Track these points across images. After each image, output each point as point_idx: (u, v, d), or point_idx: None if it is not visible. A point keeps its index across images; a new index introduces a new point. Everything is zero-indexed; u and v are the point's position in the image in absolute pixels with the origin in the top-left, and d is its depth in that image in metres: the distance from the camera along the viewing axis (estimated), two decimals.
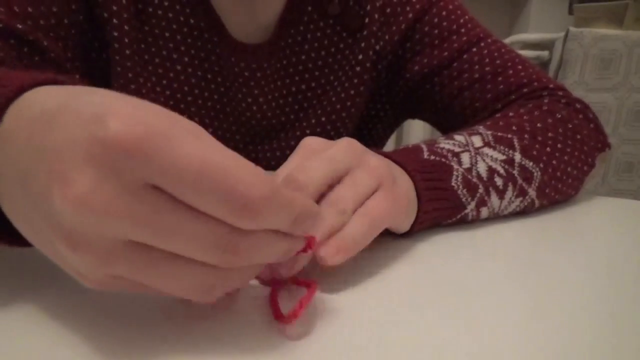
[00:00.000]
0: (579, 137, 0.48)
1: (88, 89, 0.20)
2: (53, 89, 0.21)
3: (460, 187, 0.38)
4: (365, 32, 0.56)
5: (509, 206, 0.42)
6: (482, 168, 0.39)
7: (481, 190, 0.39)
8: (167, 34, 0.53)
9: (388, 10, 0.56)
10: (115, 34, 0.51)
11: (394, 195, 0.29)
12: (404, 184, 0.33)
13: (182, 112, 0.55)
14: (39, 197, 0.17)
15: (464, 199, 0.38)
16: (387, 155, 0.36)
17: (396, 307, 0.25)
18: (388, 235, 0.34)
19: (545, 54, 1.57)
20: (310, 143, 0.31)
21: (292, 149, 0.60)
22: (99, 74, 0.54)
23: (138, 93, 0.53)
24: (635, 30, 1.46)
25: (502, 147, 0.42)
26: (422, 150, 0.38)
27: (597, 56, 1.42)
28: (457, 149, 0.40)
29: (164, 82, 0.54)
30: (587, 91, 1.43)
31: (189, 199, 0.17)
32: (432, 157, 0.38)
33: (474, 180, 0.39)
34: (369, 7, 0.56)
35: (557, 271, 0.31)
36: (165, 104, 0.54)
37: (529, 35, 1.65)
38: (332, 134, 0.60)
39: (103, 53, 0.52)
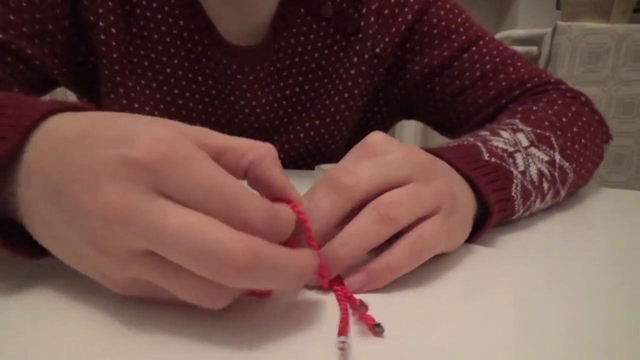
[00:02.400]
0: (592, 129, 0.48)
1: (113, 113, 0.22)
2: (78, 114, 0.23)
3: (519, 196, 0.36)
4: (360, 35, 0.55)
5: (542, 206, 0.41)
6: (533, 172, 0.38)
7: (532, 197, 0.37)
8: (155, 36, 0.51)
9: (386, 12, 0.55)
10: (102, 37, 0.49)
11: (450, 224, 0.28)
12: (462, 200, 0.30)
13: (172, 115, 0.54)
14: (73, 207, 0.19)
15: (517, 208, 0.36)
16: (447, 160, 0.33)
17: (417, 304, 0.23)
18: None
19: (534, 49, 1.57)
20: (373, 140, 0.28)
21: (285, 152, 0.59)
22: (87, 79, 0.53)
23: (127, 96, 0.52)
24: (622, 23, 1.47)
25: (544, 147, 0.41)
26: (481, 151, 0.36)
27: (585, 50, 1.42)
28: (510, 149, 0.38)
29: (154, 85, 0.53)
30: (576, 85, 1.42)
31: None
32: (493, 160, 0.35)
33: (529, 187, 0.37)
34: (364, 10, 0.55)
35: (575, 262, 0.30)
36: (155, 107, 0.53)
37: (518, 31, 1.65)
38: (326, 138, 0.59)
39: (90, 57, 0.51)
